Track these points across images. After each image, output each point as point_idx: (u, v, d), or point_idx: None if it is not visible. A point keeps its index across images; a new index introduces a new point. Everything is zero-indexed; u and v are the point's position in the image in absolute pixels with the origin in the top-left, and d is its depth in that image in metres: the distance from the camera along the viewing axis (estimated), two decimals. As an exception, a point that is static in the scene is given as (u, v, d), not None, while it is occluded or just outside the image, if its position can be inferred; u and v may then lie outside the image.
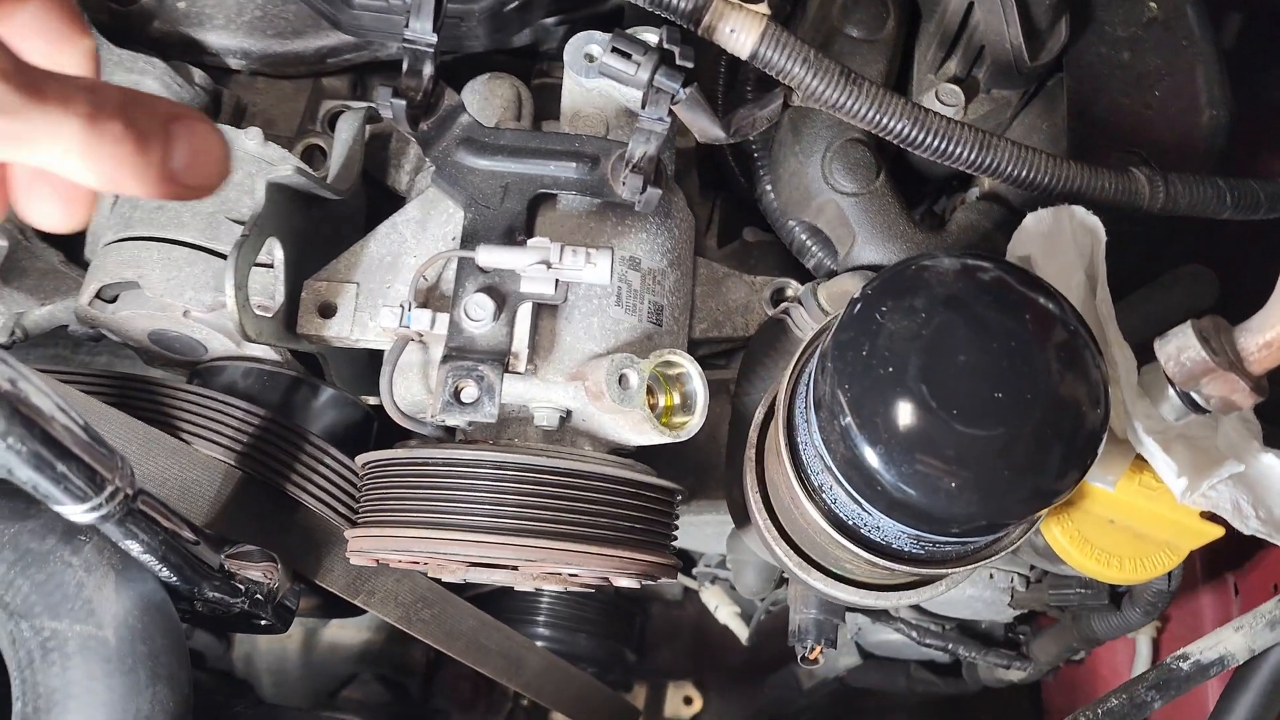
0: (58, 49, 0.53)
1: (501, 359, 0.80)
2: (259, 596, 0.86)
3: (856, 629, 1.44)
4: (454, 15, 0.94)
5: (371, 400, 1.04)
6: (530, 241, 0.81)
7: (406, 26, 0.79)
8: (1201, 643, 0.85)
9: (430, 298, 0.86)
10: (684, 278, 0.95)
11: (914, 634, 1.30)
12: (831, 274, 1.00)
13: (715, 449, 1.08)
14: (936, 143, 0.80)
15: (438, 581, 1.00)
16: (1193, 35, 1.01)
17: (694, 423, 0.84)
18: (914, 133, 0.80)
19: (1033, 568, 1.20)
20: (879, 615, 1.36)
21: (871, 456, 0.66)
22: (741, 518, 1.04)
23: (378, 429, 1.07)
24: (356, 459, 0.90)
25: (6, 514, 0.79)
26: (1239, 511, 0.81)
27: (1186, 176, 0.87)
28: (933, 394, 0.65)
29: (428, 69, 0.82)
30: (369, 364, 1.00)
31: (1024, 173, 0.82)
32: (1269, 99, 1.16)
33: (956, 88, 0.96)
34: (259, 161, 0.95)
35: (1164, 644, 1.32)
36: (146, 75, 0.98)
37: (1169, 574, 0.99)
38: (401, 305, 0.82)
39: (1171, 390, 0.77)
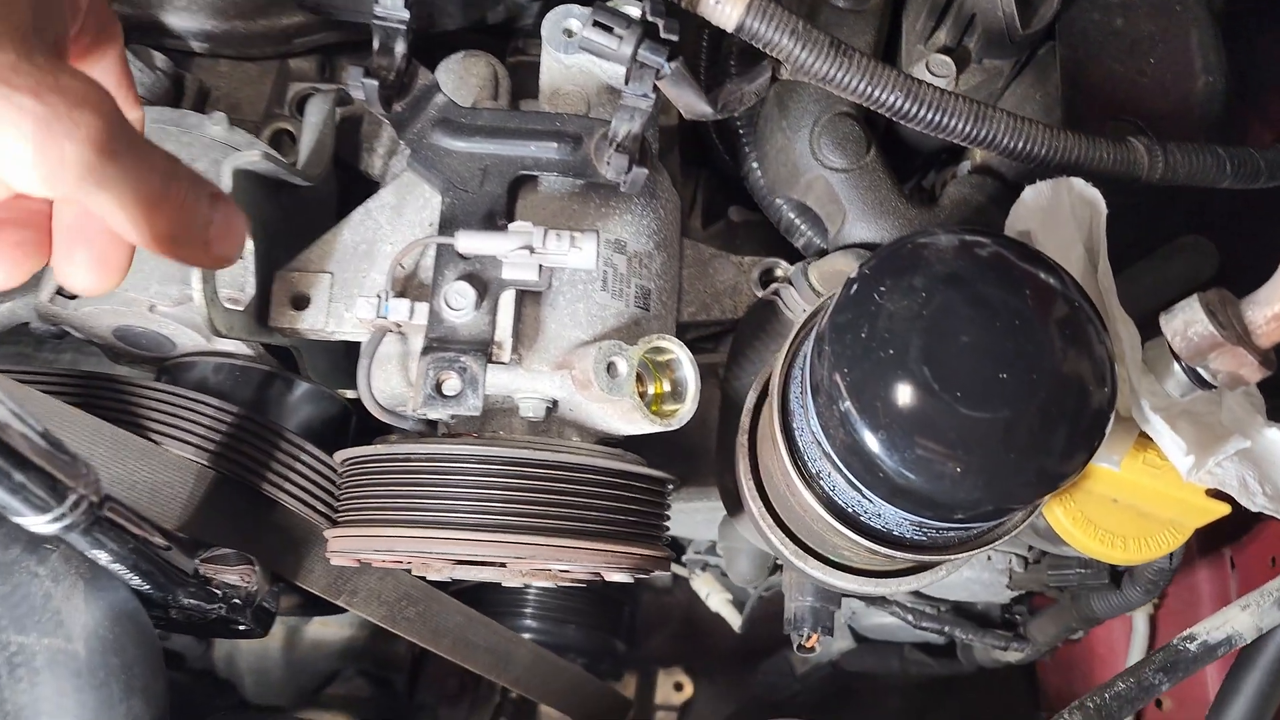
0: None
1: (484, 349, 0.77)
2: (236, 601, 0.83)
3: (851, 613, 1.43)
4: (426, -10, 0.90)
5: (349, 394, 1.01)
6: (511, 226, 0.78)
7: (377, 2, 0.75)
8: (1208, 623, 0.83)
9: (408, 287, 0.83)
10: (671, 260, 0.92)
11: (909, 617, 1.28)
12: (822, 253, 0.98)
13: (705, 435, 1.05)
14: (930, 115, 0.78)
15: (422, 578, 0.97)
16: (1186, 0, 0.98)
17: (685, 410, 0.81)
18: (907, 105, 0.77)
19: (1031, 548, 1.18)
20: (874, 599, 1.34)
21: (873, 442, 0.64)
22: (734, 505, 1.01)
23: (356, 423, 1.04)
24: (335, 455, 0.87)
25: (-34, 524, 0.76)
26: (1245, 488, 0.80)
27: (1185, 145, 0.84)
28: (935, 376, 0.63)
29: (400, 47, 0.79)
30: (346, 356, 0.96)
31: (1020, 144, 0.80)
32: (1261, 65, 1.14)
33: (947, 58, 0.93)
34: (224, 148, 0.91)
35: (1161, 620, 1.31)
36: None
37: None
38: (378, 295, 0.79)
39: (1177, 366, 0.75)
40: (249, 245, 0.82)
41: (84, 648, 0.73)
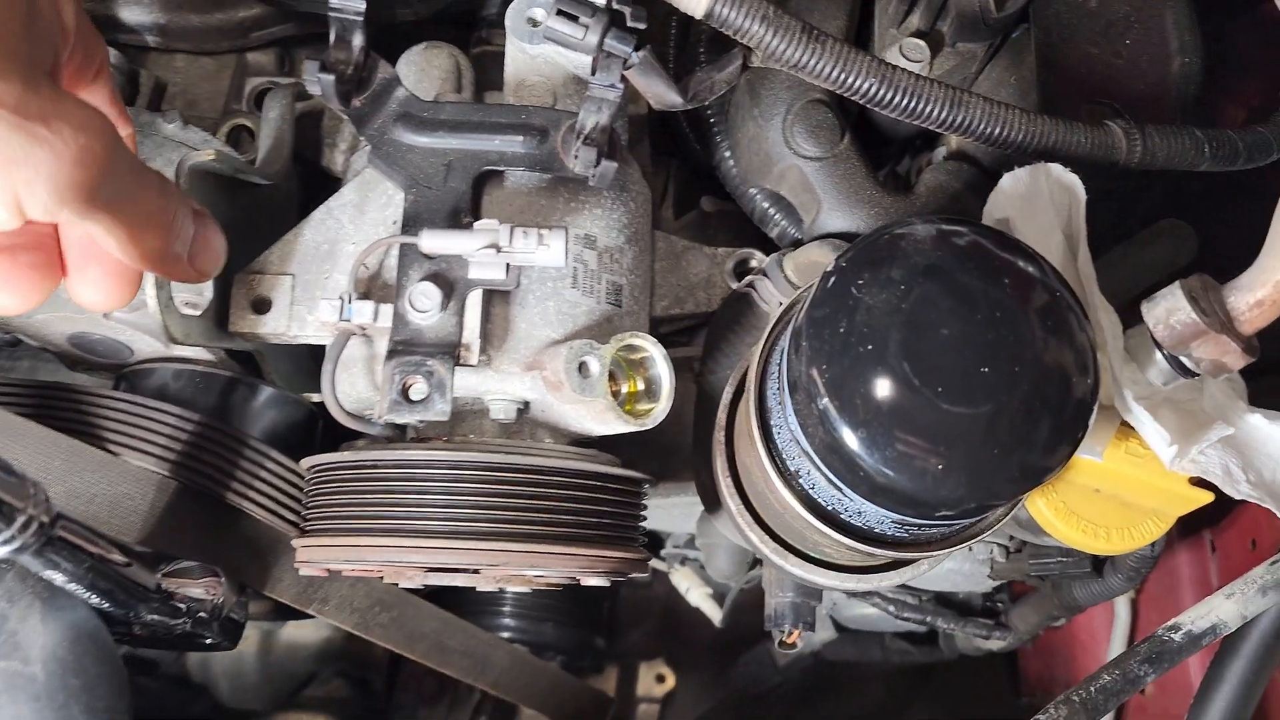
0: None
1: (451, 351, 0.74)
2: (202, 614, 0.81)
3: (832, 604, 1.42)
4: (384, -20, 0.87)
5: (315, 397, 0.98)
6: (477, 224, 0.75)
7: (331, -7, 0.73)
8: (1192, 612, 0.82)
9: (372, 287, 0.80)
10: (642, 254, 0.89)
11: (891, 608, 1.27)
12: (797, 243, 0.96)
13: (681, 430, 1.03)
14: (906, 101, 0.76)
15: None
16: (1160, -20, 0.97)
17: (660, 409, 0.79)
18: (882, 91, 0.75)
19: (1012, 537, 1.18)
20: (856, 593, 1.33)
21: (852, 440, 0.63)
22: (712, 502, 1.00)
23: (323, 427, 1.01)
24: (301, 462, 0.84)
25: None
26: (1229, 476, 0.79)
27: (1164, 128, 0.83)
28: (915, 371, 0.62)
29: (358, 39, 0.76)
30: (310, 358, 0.94)
31: (997, 130, 0.78)
32: (1233, 44, 1.13)
33: (921, 42, 0.91)
34: (179, 146, 0.88)
35: (1142, 604, 1.30)
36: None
37: (1153, 540, 0.97)
38: (341, 297, 0.76)
39: (1159, 354, 0.74)
40: None
41: (42, 670, 0.71)
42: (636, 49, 0.73)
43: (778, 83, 0.93)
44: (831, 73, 0.75)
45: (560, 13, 0.72)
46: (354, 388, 0.82)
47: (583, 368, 0.75)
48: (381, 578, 0.90)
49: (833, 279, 0.65)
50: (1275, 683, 1.04)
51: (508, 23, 0.86)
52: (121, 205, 0.56)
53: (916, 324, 0.63)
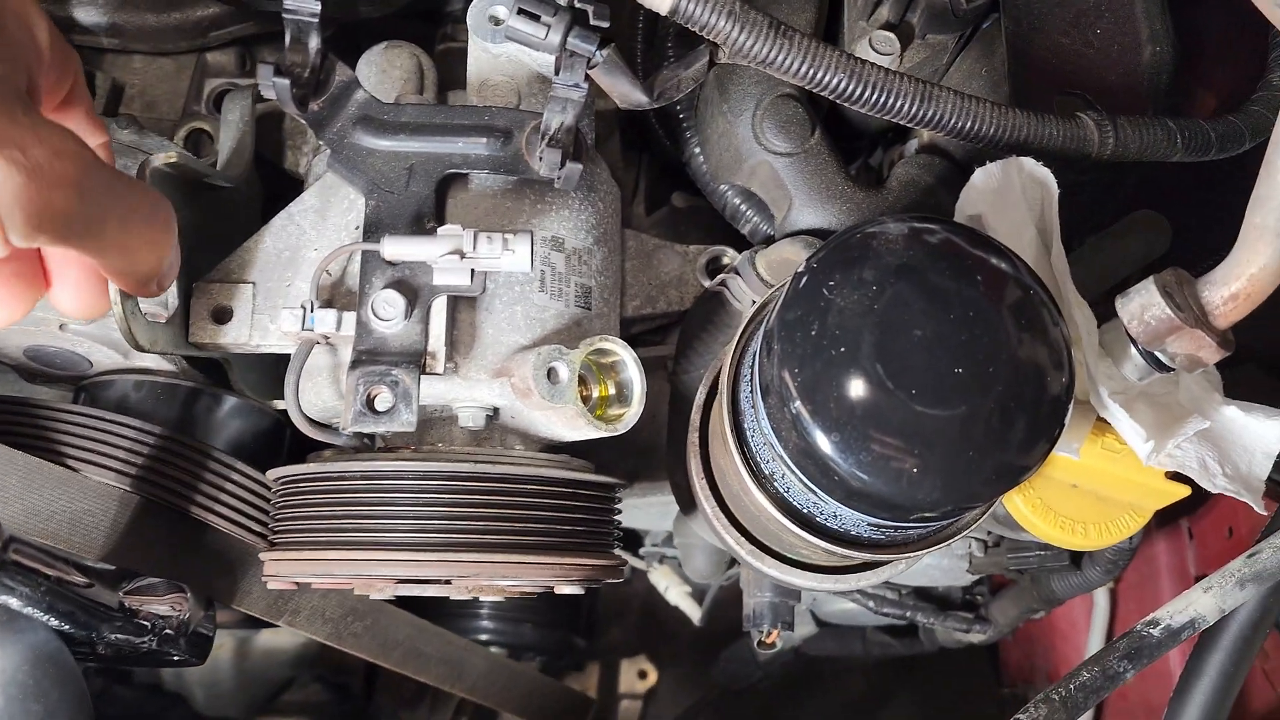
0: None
1: (417, 360, 0.73)
2: (168, 631, 0.79)
3: (812, 599, 1.41)
4: (342, -22, 0.85)
5: (281, 404, 0.96)
6: (441, 229, 0.73)
7: (285, -6, 0.71)
8: (1170, 606, 0.82)
9: (336, 295, 0.78)
10: (612, 254, 0.88)
11: (870, 604, 1.27)
12: (769, 240, 0.94)
13: (656, 429, 1.02)
14: (875, 96, 0.74)
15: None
16: (1129, -33, 0.96)
17: (631, 414, 0.78)
18: (851, 87, 0.74)
19: (990, 532, 1.17)
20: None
21: (826, 444, 0.62)
22: (687, 503, 0.99)
23: (292, 436, 0.99)
24: (268, 473, 0.82)
25: None
26: (1205, 470, 0.79)
27: (1136, 119, 0.82)
28: (889, 373, 0.61)
29: (314, 41, 0.74)
30: (278, 364, 0.91)
31: (968, 124, 0.77)
32: (1204, 30, 1.12)
33: (891, 35, 0.90)
34: (135, 152, 0.86)
35: (1121, 593, 1.30)
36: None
37: (1130, 533, 0.97)
38: (303, 306, 0.74)
39: (1134, 350, 0.73)
40: None
41: (2, 696, 0.69)
42: (600, 47, 0.71)
43: (747, 78, 0.92)
44: (799, 68, 0.73)
45: (522, 11, 0.70)
46: (320, 397, 0.80)
47: (551, 374, 0.74)
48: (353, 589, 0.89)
49: (804, 280, 0.64)
50: (1254, 674, 1.04)
51: (470, 21, 0.84)
52: (101, 228, 0.55)
53: (889, 325, 0.62)
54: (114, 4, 0.97)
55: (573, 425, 0.77)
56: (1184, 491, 0.81)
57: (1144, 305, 0.70)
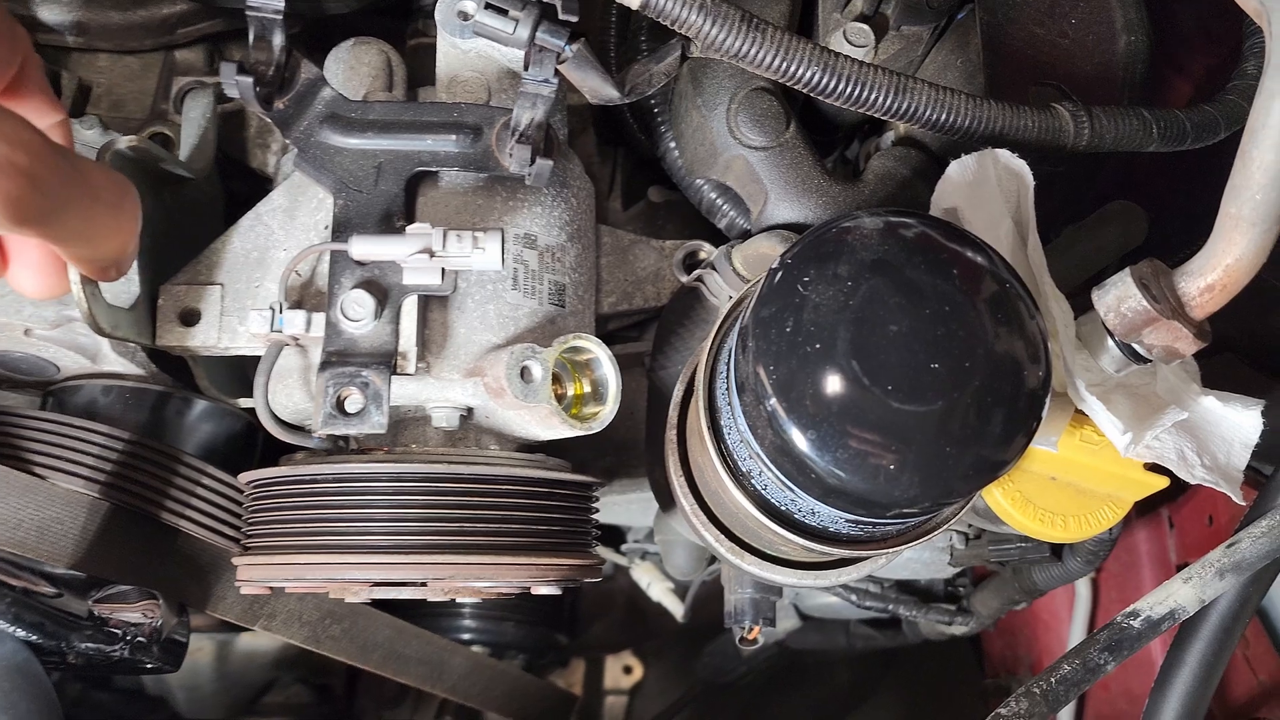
0: (37, 124, 0.55)
1: (387, 361, 0.72)
2: (140, 639, 0.78)
3: (795, 593, 1.41)
4: (308, -26, 0.84)
5: (248, 402, 0.95)
6: (410, 228, 0.72)
7: (248, -10, 0.69)
8: (1151, 598, 0.81)
9: (305, 295, 0.77)
10: (586, 251, 0.87)
11: (853, 597, 1.27)
12: (746, 234, 0.94)
13: (634, 425, 1.02)
14: (850, 89, 0.74)
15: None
16: (1104, -44, 0.95)
17: (606, 412, 0.77)
18: (825, 80, 0.73)
19: (970, 525, 1.17)
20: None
21: (802, 442, 0.61)
22: (666, 500, 0.98)
23: (264, 438, 0.98)
24: (240, 477, 0.81)
25: None
26: (1184, 460, 0.78)
27: (1111, 110, 0.82)
28: (865, 370, 0.61)
29: (278, 39, 0.73)
30: (244, 361, 0.90)
31: (943, 116, 0.76)
32: (1178, 18, 1.12)
33: (865, 26, 0.89)
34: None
35: (1102, 581, 1.31)
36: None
37: (1110, 524, 0.97)
38: (272, 307, 0.73)
39: (1111, 342, 0.73)
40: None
41: (-32, 708, 0.68)
42: (570, 42, 0.70)
43: (721, 71, 0.91)
44: (773, 61, 0.72)
45: (489, 6, 0.69)
46: (291, 399, 0.79)
47: (525, 373, 0.73)
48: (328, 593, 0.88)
49: (778, 276, 0.64)
50: (1235, 660, 1.05)
51: (438, 16, 0.82)
52: (61, 215, 0.54)
53: (864, 321, 0.61)
54: (78, 1, 0.95)
55: (547, 424, 0.76)
56: (1163, 482, 0.81)
57: (1120, 297, 0.70)
